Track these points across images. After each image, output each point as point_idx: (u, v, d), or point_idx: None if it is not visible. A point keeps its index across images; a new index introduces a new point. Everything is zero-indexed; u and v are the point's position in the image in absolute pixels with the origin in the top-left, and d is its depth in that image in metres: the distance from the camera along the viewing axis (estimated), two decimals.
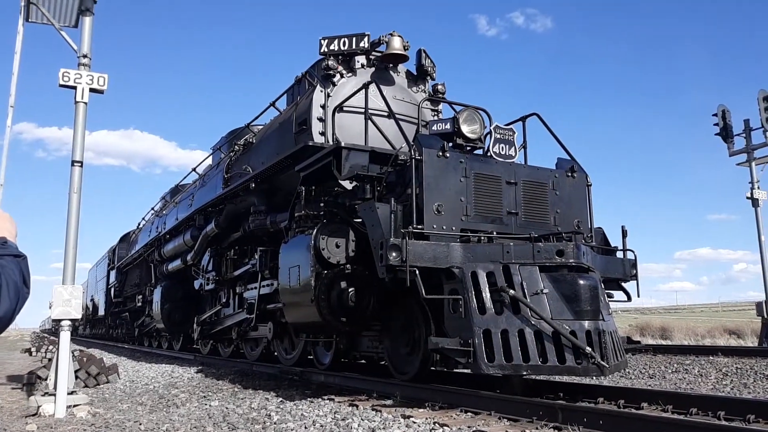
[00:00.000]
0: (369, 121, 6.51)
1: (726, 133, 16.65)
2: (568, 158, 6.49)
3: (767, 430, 3.65)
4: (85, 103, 6.83)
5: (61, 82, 6.73)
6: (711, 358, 9.07)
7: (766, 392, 6.75)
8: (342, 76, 7.66)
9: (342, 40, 7.62)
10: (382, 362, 7.18)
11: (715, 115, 16.86)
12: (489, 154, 5.96)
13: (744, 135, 16.55)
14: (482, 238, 5.48)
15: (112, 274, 20.80)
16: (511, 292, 4.84)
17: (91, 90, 6.84)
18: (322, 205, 6.68)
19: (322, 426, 4.58)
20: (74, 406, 6.18)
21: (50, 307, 6.55)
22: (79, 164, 6.78)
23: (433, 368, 6.33)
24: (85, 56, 6.93)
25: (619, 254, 6.32)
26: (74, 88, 6.78)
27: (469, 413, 4.82)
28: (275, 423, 4.86)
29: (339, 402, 5.65)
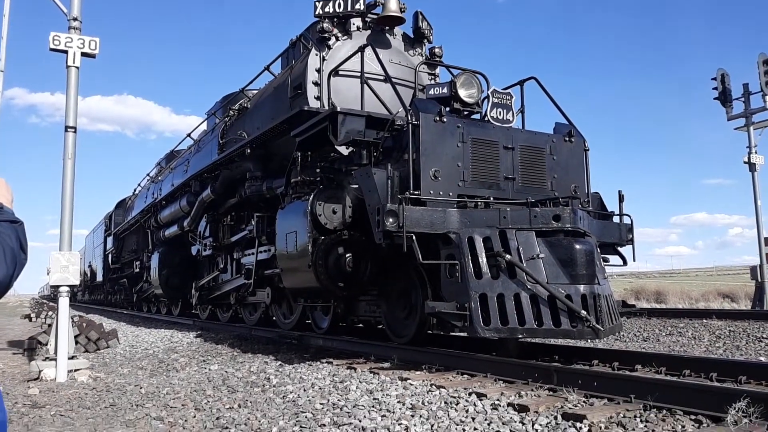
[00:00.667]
0: (365, 86, 6.43)
1: (725, 98, 16.56)
2: (566, 123, 6.45)
3: (758, 390, 3.71)
4: (77, 67, 6.73)
5: (52, 46, 6.62)
6: (704, 321, 9.19)
7: (757, 354, 6.85)
8: (337, 39, 7.54)
9: (337, 2, 7.48)
10: (380, 326, 7.25)
11: (714, 79, 16.73)
12: (486, 118, 5.91)
13: (743, 99, 16.46)
14: (479, 203, 5.48)
15: (109, 240, 20.82)
16: (508, 257, 4.86)
17: (83, 54, 6.73)
18: (318, 170, 6.65)
19: (320, 388, 4.65)
20: (75, 370, 6.25)
21: (48, 274, 6.56)
22: (73, 130, 6.72)
23: (429, 332, 6.40)
24: (75, 19, 6.79)
25: (616, 219, 6.33)
26: (65, 52, 6.67)
27: (465, 375, 4.89)
28: (274, 386, 4.93)
29: (337, 365, 5.72)
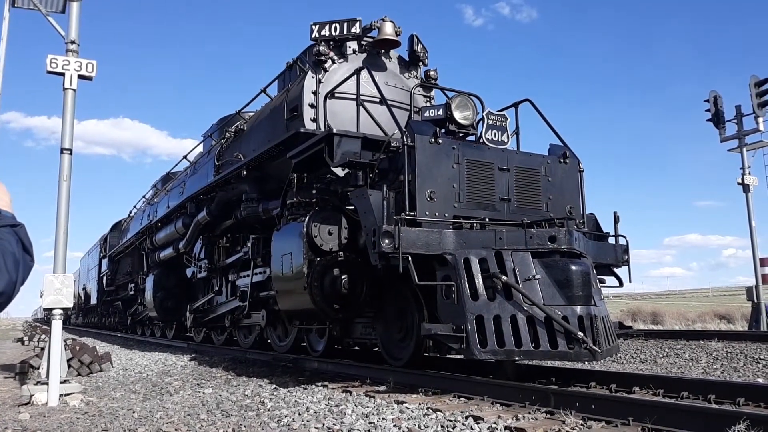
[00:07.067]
0: (361, 108, 6.47)
1: (718, 119, 16.70)
2: (561, 144, 6.49)
3: (758, 413, 3.68)
4: (74, 89, 6.76)
5: (49, 69, 6.65)
6: (701, 342, 9.14)
7: (755, 375, 6.82)
8: (333, 62, 7.60)
9: (333, 26, 7.55)
10: (376, 349, 7.20)
11: (707, 101, 16.89)
12: (481, 140, 5.94)
13: (735, 121, 16.62)
14: (475, 224, 5.48)
15: (104, 262, 20.71)
16: (504, 278, 4.85)
17: (80, 76, 6.77)
18: (314, 192, 6.66)
19: (315, 412, 4.59)
20: (67, 394, 6.18)
21: (41, 296, 6.51)
22: (69, 152, 6.72)
23: (426, 354, 6.36)
24: (73, 42, 6.84)
25: (611, 240, 6.33)
26: (62, 74, 6.71)
27: (462, 398, 4.84)
28: (269, 410, 4.87)
29: (332, 388, 5.66)
